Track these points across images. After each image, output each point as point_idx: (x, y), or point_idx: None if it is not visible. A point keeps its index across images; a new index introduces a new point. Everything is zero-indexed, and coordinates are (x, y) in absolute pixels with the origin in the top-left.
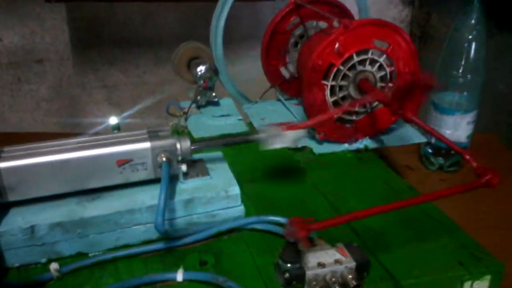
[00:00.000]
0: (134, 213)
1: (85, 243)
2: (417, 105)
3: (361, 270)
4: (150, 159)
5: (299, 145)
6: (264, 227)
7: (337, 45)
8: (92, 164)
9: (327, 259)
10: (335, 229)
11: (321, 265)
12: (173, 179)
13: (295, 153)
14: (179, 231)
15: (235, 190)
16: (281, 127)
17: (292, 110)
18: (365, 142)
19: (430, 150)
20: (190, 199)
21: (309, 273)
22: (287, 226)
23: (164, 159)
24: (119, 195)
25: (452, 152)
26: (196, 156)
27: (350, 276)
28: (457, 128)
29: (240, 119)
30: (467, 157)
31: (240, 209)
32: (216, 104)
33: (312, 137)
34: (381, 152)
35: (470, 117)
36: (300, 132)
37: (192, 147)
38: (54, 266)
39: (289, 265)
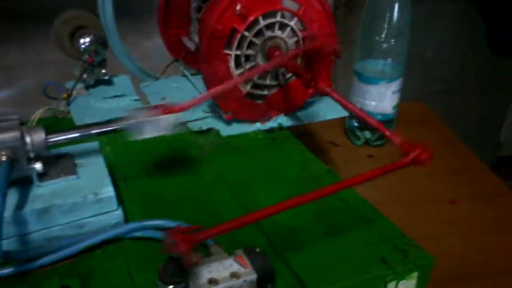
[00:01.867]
0: None
1: None
2: (327, 73)
3: (264, 282)
4: None
5: (177, 129)
6: (147, 234)
7: (238, 7)
8: None
9: (221, 273)
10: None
11: (213, 281)
12: (25, 183)
13: (198, 136)
14: (33, 250)
15: (108, 191)
16: (153, 112)
17: (199, 87)
18: (280, 120)
19: (356, 124)
20: (46, 207)
21: None
22: (165, 238)
23: (3, 158)
24: None
25: None
26: (66, 149)
27: None
28: (382, 98)
29: (136, 100)
30: (387, 133)
31: (117, 215)
32: (109, 83)
33: (219, 117)
34: (303, 129)
35: (395, 85)
36: (177, 117)
37: (50, 140)
38: None
39: (170, 286)
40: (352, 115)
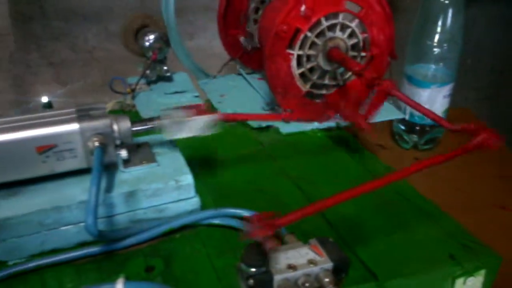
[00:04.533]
0: (62, 211)
1: (2, 249)
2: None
3: (339, 271)
4: (80, 144)
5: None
6: (223, 221)
7: (303, 7)
8: (7, 151)
9: (299, 260)
10: (305, 221)
11: (291, 267)
12: (111, 168)
13: (259, 133)
14: (120, 231)
15: (188, 179)
16: (188, 112)
17: (255, 85)
18: (337, 119)
19: (403, 127)
20: (132, 191)
21: (277, 278)
22: (247, 224)
23: (96, 144)
24: (43, 189)
25: (427, 128)
26: (142, 139)
27: (326, 279)
28: (432, 102)
29: (196, 96)
30: (458, 127)
31: (194, 201)
32: (169, 79)
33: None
34: (350, 131)
35: (446, 90)
36: (210, 118)
37: (134, 129)
38: None
39: (253, 269)
40: (403, 118)
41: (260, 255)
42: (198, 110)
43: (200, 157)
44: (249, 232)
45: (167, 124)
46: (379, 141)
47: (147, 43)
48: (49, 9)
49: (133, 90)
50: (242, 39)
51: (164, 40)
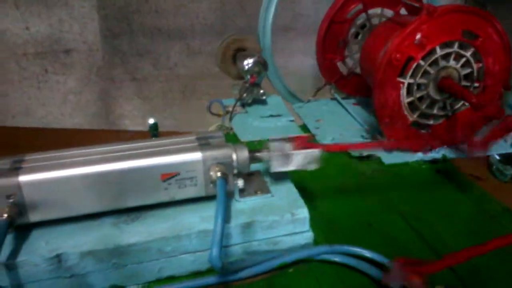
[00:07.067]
0: (182, 239)
1: (121, 274)
2: None
3: None
4: (201, 173)
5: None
6: (339, 259)
7: (418, 36)
8: (132, 178)
9: None
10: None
11: None
12: (227, 198)
13: (359, 162)
14: (237, 263)
15: (303, 212)
16: (294, 145)
17: (350, 111)
18: (443, 151)
19: (498, 158)
20: (249, 222)
21: None
22: (391, 269)
23: (219, 174)
24: (163, 216)
25: None
26: (252, 167)
27: None
28: None
29: (292, 120)
30: None
31: (308, 236)
32: (263, 102)
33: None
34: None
35: None
36: (315, 153)
37: (252, 157)
38: None
39: None
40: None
41: None
42: (302, 143)
43: (303, 187)
44: (395, 278)
45: (275, 158)
46: (473, 172)
47: (246, 67)
48: (137, 27)
49: (229, 113)
50: (339, 63)
51: (262, 64)
